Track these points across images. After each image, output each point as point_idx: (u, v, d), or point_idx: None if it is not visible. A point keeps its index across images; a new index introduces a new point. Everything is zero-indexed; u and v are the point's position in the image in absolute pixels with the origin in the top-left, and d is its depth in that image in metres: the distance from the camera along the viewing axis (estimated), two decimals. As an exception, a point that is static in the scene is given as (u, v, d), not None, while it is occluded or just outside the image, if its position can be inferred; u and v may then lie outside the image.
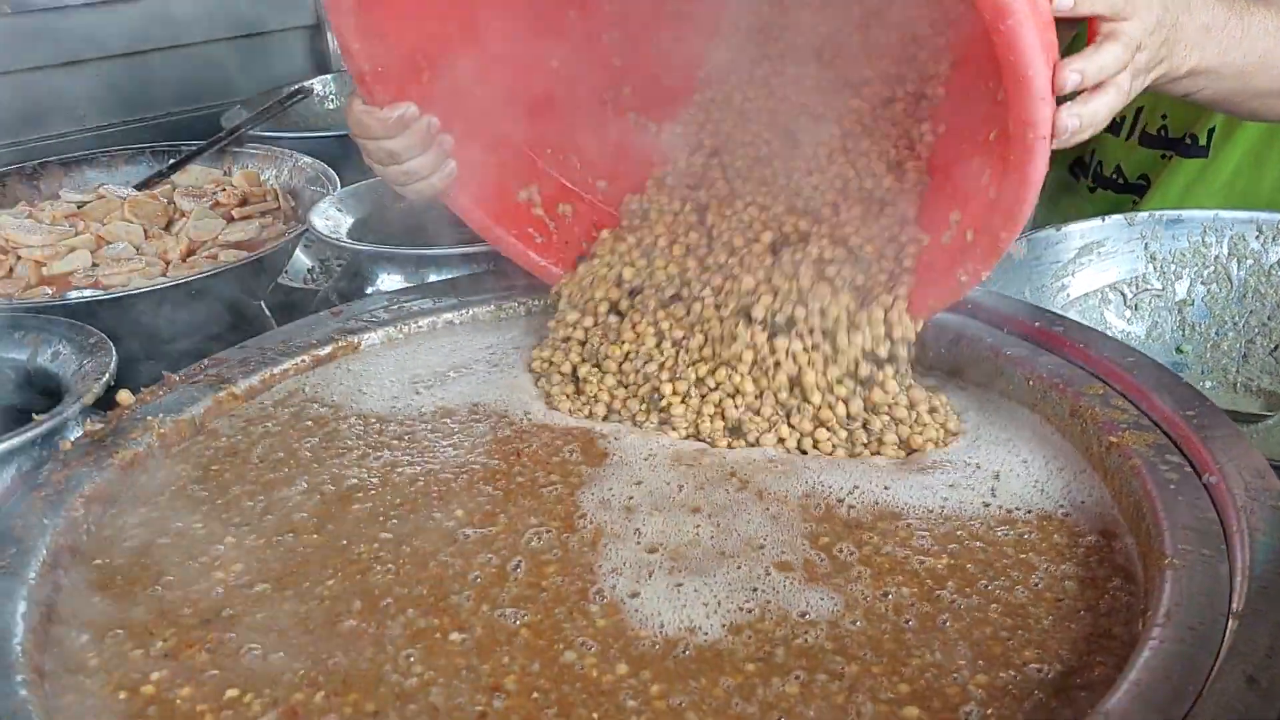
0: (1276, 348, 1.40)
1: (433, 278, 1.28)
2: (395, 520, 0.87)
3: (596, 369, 1.06)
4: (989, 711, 0.64)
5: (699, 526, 0.85)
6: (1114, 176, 1.53)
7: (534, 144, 1.21)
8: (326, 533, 0.86)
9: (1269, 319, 1.41)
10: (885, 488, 0.88)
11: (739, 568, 0.79)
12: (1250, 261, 1.42)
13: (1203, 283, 1.44)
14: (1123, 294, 1.44)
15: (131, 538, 0.86)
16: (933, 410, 0.97)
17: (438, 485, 0.91)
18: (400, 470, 0.94)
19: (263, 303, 1.51)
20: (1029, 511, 0.84)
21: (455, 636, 0.74)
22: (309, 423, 1.01)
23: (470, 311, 1.18)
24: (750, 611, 0.75)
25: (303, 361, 1.09)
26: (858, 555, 0.79)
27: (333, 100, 2.28)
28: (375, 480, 0.92)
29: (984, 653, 0.69)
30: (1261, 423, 1.31)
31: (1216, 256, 1.43)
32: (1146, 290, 1.44)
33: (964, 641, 0.70)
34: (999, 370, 1.00)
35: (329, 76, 2.25)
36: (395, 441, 0.98)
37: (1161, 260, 1.44)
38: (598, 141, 1.21)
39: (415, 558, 0.82)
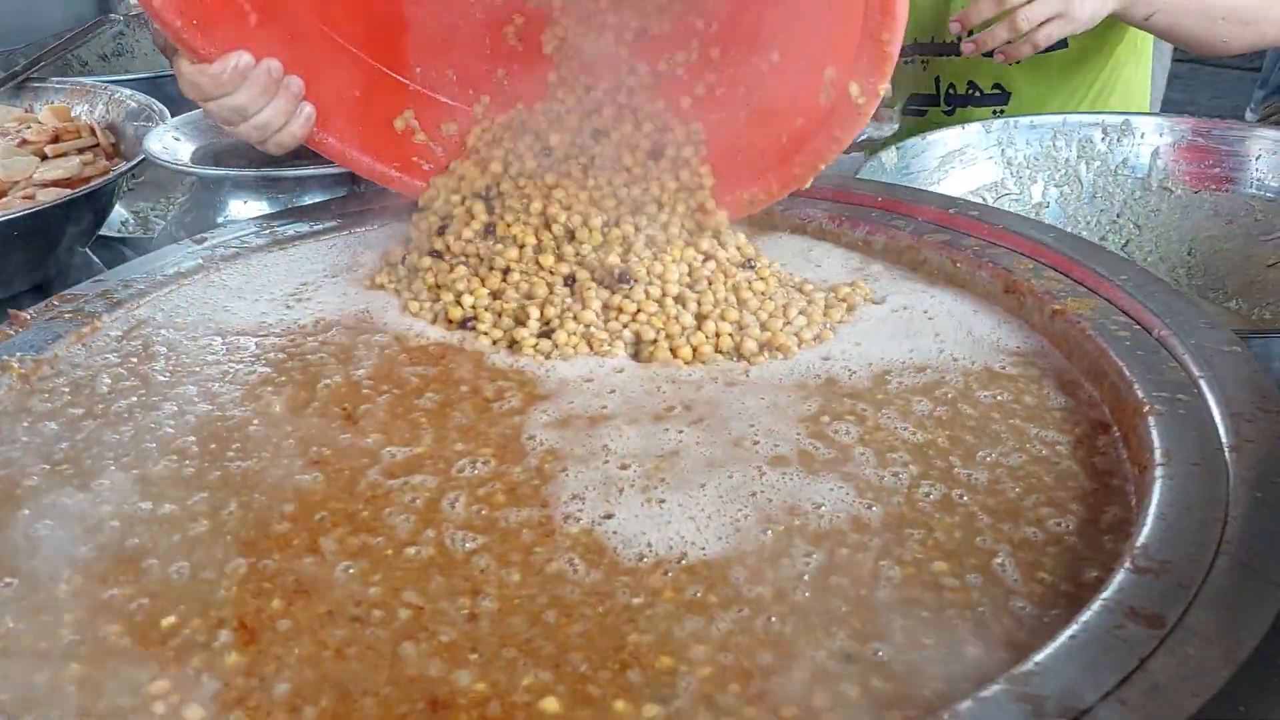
0: (1126, 243, 1.47)
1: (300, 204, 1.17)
2: (292, 442, 0.77)
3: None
4: (1019, 559, 0.63)
5: (682, 433, 0.78)
6: (971, 92, 1.57)
7: (397, 66, 1.11)
8: (214, 453, 0.76)
9: (1118, 216, 1.48)
10: (857, 344, 0.87)
11: (730, 476, 0.72)
12: (1098, 163, 1.48)
13: (1055, 185, 1.49)
14: (984, 199, 1.48)
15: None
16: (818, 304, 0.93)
17: (338, 404, 0.82)
18: (281, 389, 0.84)
19: (89, 250, 1.35)
20: (973, 361, 0.84)
21: (410, 552, 0.66)
22: (160, 347, 0.90)
23: (352, 232, 1.08)
24: (748, 518, 0.68)
25: (170, 292, 0.97)
26: (857, 435, 0.76)
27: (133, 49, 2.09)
28: (245, 397, 0.83)
29: (1003, 516, 0.67)
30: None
31: (1066, 159, 1.49)
32: (1006, 194, 1.48)
33: (983, 511, 0.68)
34: (922, 258, 0.99)
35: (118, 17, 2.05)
36: (272, 355, 0.89)
37: (1017, 165, 1.48)
38: (472, 53, 1.12)
39: (340, 476, 0.74)
